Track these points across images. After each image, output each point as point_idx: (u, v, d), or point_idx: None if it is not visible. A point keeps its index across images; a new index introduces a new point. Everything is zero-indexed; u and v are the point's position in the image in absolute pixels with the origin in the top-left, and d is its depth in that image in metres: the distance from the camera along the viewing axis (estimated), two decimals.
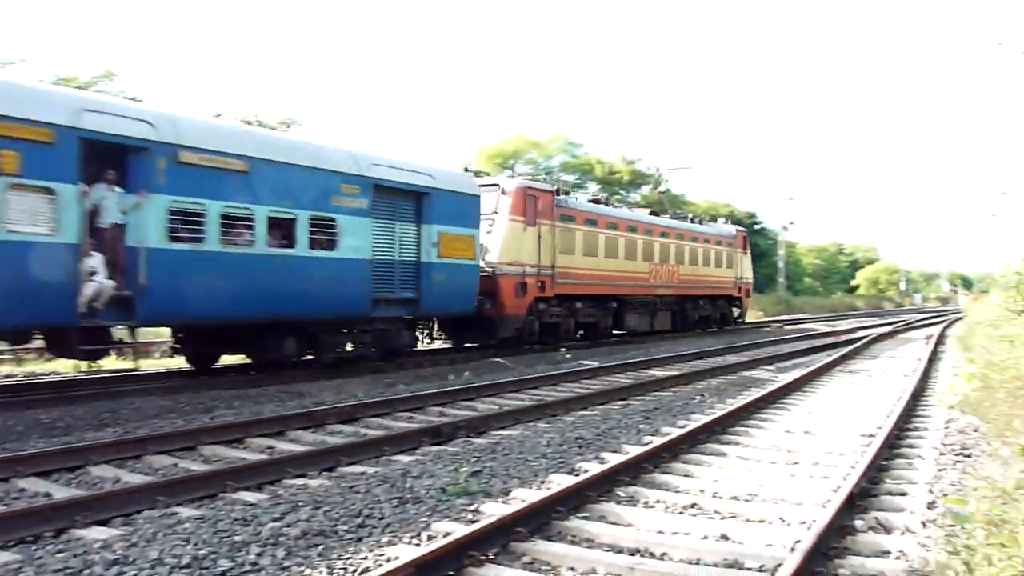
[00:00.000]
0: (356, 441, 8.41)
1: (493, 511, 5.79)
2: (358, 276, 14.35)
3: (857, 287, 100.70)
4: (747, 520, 5.83)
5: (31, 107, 9.90)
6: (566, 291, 21.03)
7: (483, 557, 4.83)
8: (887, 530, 5.57)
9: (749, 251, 36.00)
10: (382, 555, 5.02)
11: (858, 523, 5.62)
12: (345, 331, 14.98)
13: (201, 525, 5.50)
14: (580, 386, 13.43)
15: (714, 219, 37.60)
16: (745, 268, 34.78)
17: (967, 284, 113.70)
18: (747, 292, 35.13)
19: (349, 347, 15.22)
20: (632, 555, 5.05)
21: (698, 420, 9.32)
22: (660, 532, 5.52)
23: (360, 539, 5.35)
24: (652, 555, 5.08)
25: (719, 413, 9.57)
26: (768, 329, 34.43)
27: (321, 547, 5.16)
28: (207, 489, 6.48)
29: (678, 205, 58.54)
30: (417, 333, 17.88)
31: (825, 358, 17.67)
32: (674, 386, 13.39)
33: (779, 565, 4.55)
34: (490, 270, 18.29)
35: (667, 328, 27.25)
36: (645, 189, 64.11)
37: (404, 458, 7.80)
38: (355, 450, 7.91)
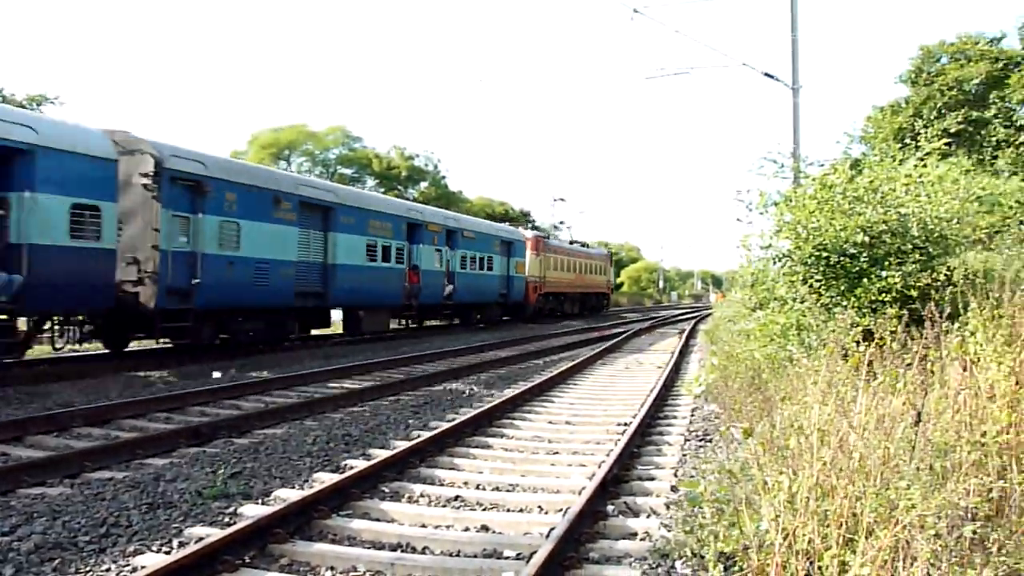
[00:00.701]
0: (105, 444, 7.81)
1: (252, 513, 5.61)
2: (497, 283, 32.56)
3: (621, 284, 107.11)
4: (508, 510, 6.04)
5: (448, 222, 28.54)
6: (547, 291, 38.88)
7: (238, 561, 4.67)
8: (635, 513, 5.98)
9: (612, 264, 59.69)
10: (127, 566, 4.74)
11: (610, 508, 5.97)
12: (486, 309, 32.62)
13: None
14: (352, 382, 13.27)
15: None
16: (610, 274, 56.39)
17: (717, 283, 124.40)
18: (611, 289, 57.22)
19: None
20: (393, 551, 5.08)
21: (466, 414, 9.53)
22: (423, 526, 5.60)
23: (103, 550, 5.00)
24: (413, 549, 5.14)
25: (487, 406, 9.84)
26: (540, 324, 35.99)
27: (57, 561, 4.77)
28: None
29: (455, 201, 59.75)
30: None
31: (589, 352, 18.65)
32: (445, 381, 13.56)
33: (534, 552, 4.74)
34: (524, 280, 35.72)
35: (577, 311, 45.19)
36: (423, 185, 64.63)
37: (158, 461, 7.35)
38: (103, 454, 7.34)
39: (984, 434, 4.06)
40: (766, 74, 18.05)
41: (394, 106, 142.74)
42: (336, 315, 23.57)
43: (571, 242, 50.15)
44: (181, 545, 5.05)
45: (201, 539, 4.95)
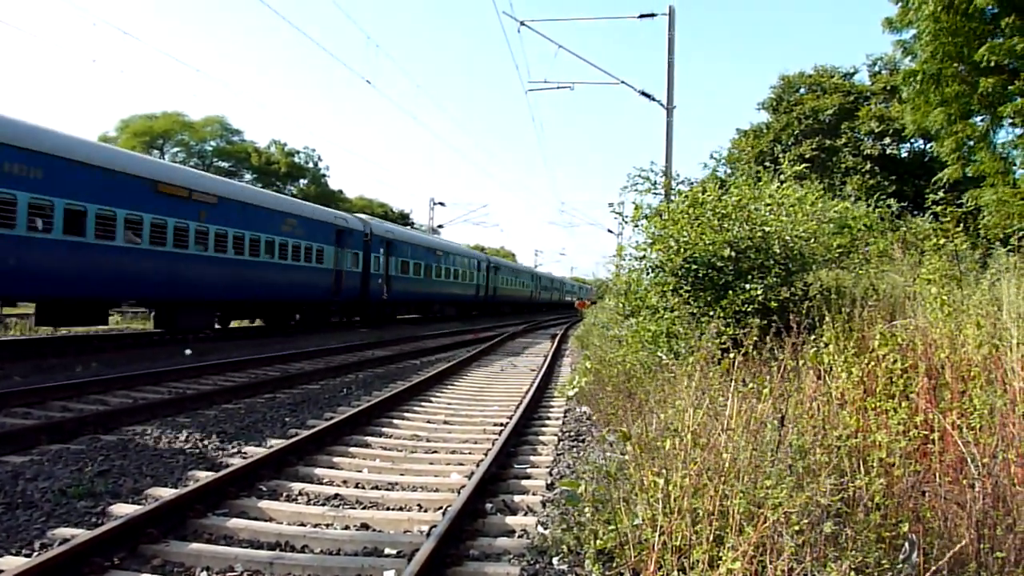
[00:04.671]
0: None
1: (122, 512, 5.41)
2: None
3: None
4: (388, 509, 6.05)
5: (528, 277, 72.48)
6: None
7: (107, 563, 4.50)
8: (513, 511, 6.11)
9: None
10: None
11: (488, 506, 6.09)
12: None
13: None
14: (225, 379, 12.88)
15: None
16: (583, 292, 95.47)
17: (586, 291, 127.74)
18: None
19: None
20: (272, 549, 5.01)
21: (344, 412, 9.46)
22: (302, 525, 5.54)
23: None
24: (293, 548, 5.08)
25: (365, 405, 9.78)
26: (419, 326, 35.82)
27: None
28: None
29: (335, 200, 59.01)
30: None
31: (465, 354, 18.78)
32: (322, 379, 13.40)
33: (415, 550, 4.79)
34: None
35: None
36: (303, 182, 63.49)
37: (16, 459, 6.94)
38: None
39: (839, 437, 4.41)
40: (643, 93, 18.75)
41: (277, 102, 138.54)
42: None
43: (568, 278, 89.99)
44: (44, 547, 4.81)
45: (66, 540, 4.75)
